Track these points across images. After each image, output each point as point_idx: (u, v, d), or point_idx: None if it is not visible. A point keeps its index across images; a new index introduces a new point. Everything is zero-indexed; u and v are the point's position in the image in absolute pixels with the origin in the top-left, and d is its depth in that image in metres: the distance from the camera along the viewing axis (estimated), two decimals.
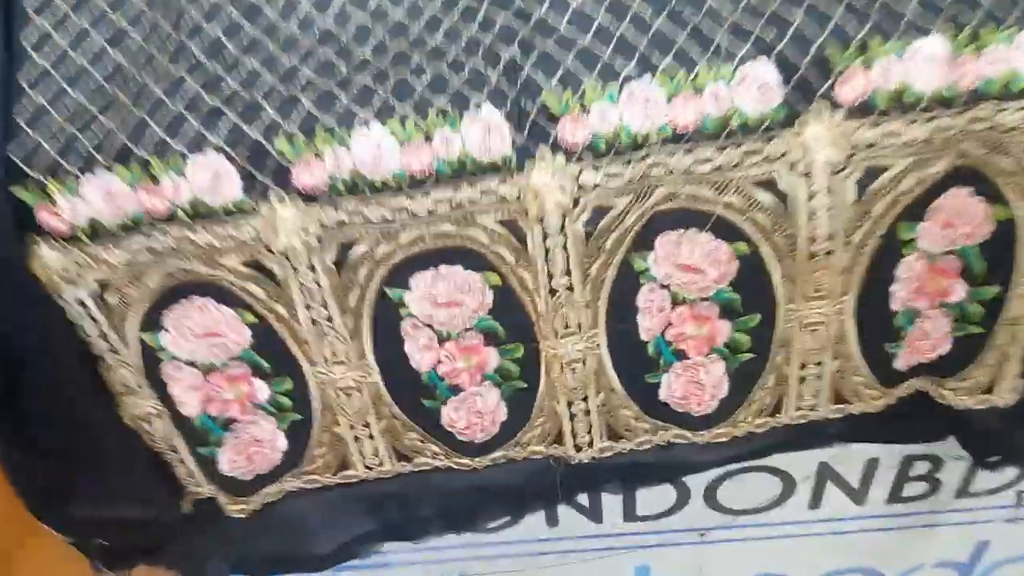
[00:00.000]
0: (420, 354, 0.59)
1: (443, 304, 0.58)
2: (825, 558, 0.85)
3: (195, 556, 0.70)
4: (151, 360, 0.59)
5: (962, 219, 0.55)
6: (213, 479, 0.64)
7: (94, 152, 0.53)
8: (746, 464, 0.71)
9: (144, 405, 0.61)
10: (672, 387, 0.62)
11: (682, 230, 0.55)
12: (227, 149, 0.52)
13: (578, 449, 0.65)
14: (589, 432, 0.64)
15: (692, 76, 0.51)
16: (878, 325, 0.60)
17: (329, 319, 0.57)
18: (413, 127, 0.51)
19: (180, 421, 0.61)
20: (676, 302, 0.58)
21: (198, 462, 0.64)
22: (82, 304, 0.56)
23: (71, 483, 0.64)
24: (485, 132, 0.51)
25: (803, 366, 0.62)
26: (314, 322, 0.58)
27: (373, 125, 0.52)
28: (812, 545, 0.82)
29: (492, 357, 0.60)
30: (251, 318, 0.58)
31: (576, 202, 0.53)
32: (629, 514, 0.78)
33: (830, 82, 0.50)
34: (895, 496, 0.78)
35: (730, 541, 0.81)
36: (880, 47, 0.50)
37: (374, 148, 0.51)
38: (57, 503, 0.65)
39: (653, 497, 0.76)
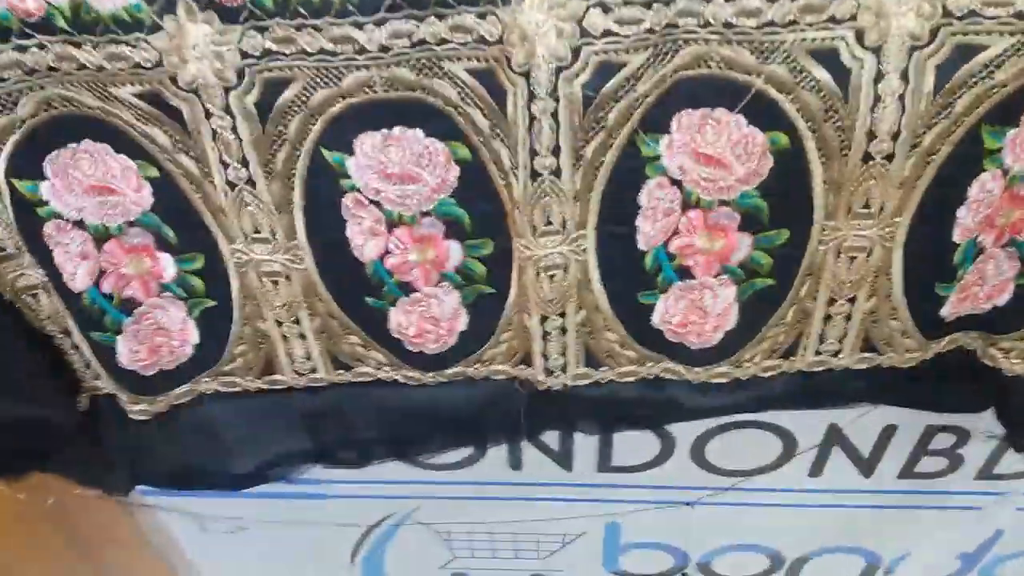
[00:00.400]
0: (364, 239, 0.48)
1: (395, 177, 0.46)
2: (819, 533, 0.75)
3: (94, 464, 0.59)
4: (28, 216, 0.47)
5: None
6: (111, 372, 0.53)
7: None
8: (744, 417, 0.60)
9: (28, 275, 0.50)
10: (669, 311, 0.50)
11: (708, 108, 0.42)
12: None
13: (548, 373, 0.54)
14: (563, 355, 0.53)
15: None
16: (932, 259, 0.48)
17: (250, 182, 0.45)
18: None
19: (69, 298, 0.50)
20: (688, 204, 0.46)
21: (94, 350, 0.53)
22: None
23: None
24: None
25: (831, 301, 0.50)
26: (231, 185, 0.46)
27: None
28: (806, 517, 0.72)
29: (454, 252, 0.48)
30: (153, 171, 0.46)
31: (576, 53, 0.40)
32: (603, 464, 0.67)
33: None
34: (908, 471, 0.68)
35: (714, 504, 0.70)
36: None
37: None
38: None
39: (633, 445, 0.65)
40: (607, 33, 0.40)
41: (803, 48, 0.40)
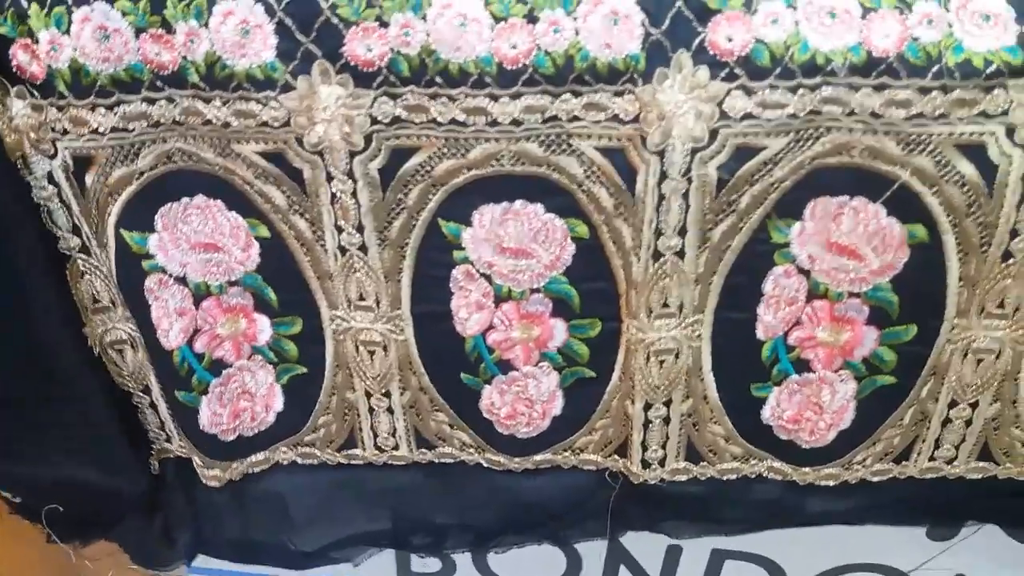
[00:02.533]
0: (469, 313, 0.46)
1: (510, 251, 0.44)
2: None
3: (158, 531, 0.56)
4: (132, 269, 0.46)
5: None
6: (190, 435, 0.51)
7: None
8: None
9: (118, 329, 0.49)
10: (782, 405, 0.48)
11: (846, 197, 0.41)
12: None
13: (645, 466, 0.51)
14: (663, 446, 0.50)
15: None
16: None
17: (363, 248, 0.44)
18: (514, 1, 0.38)
19: (158, 355, 0.48)
20: (814, 295, 0.44)
21: (174, 411, 0.51)
22: (53, 181, 0.44)
23: (13, 427, 0.51)
24: (610, 21, 0.38)
25: (953, 404, 0.48)
26: (343, 250, 0.45)
27: None
28: None
29: (558, 331, 0.47)
30: (264, 232, 0.45)
31: (714, 135, 0.40)
32: None
33: None
34: None
35: None
36: None
37: (458, 20, 0.38)
38: None
39: None
40: (747, 116, 0.39)
41: (951, 142, 0.39)
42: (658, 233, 0.42)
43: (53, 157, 0.43)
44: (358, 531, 0.56)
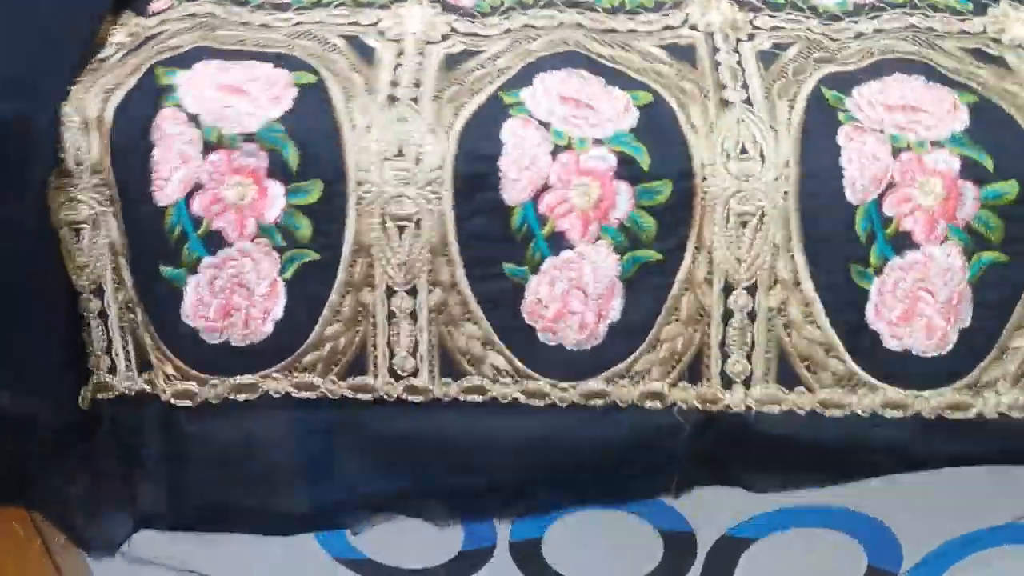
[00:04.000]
0: (521, 171, 0.40)
1: (572, 101, 0.41)
2: None
3: (85, 494, 0.43)
4: (150, 101, 0.41)
5: None
6: (163, 328, 0.42)
7: None
8: None
9: (80, 201, 0.41)
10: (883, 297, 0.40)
11: None
12: None
13: (727, 384, 0.41)
14: (749, 357, 0.41)
15: None
16: None
17: (415, 100, 0.41)
18: None
19: (144, 218, 0.41)
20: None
21: (147, 297, 0.42)
22: None
23: None
24: None
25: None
26: (392, 99, 0.41)
27: None
28: None
29: (623, 198, 0.41)
30: (309, 79, 0.42)
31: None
32: None
33: None
34: None
35: None
36: None
37: None
38: None
39: None
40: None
41: None
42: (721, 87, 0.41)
43: None
44: (359, 491, 0.43)
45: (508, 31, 0.46)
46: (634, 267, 0.41)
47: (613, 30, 0.46)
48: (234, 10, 0.47)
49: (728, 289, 0.41)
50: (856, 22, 0.47)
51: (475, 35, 0.46)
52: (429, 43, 0.45)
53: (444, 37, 0.46)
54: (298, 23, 0.46)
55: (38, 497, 0.45)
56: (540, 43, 0.45)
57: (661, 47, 0.45)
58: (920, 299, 0.40)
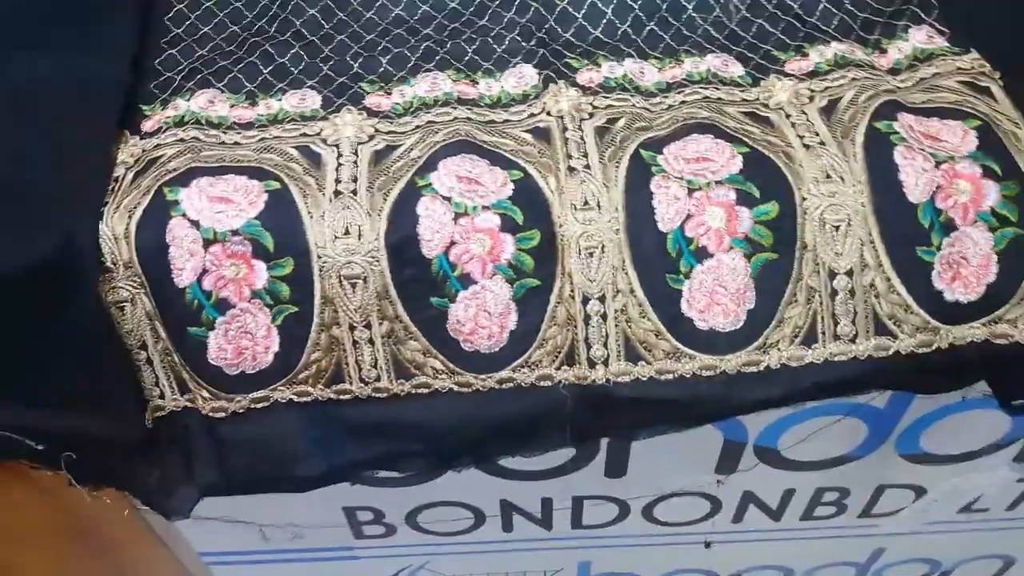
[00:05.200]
0: (433, 233, 0.57)
1: (464, 179, 0.58)
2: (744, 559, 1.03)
3: (156, 481, 0.62)
4: (162, 215, 0.57)
5: None
6: (197, 369, 0.59)
7: (211, 79, 0.67)
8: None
9: (120, 287, 0.58)
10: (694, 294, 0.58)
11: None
12: (318, 87, 0.66)
13: (591, 366, 0.60)
14: (605, 345, 0.59)
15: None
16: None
17: (354, 192, 0.58)
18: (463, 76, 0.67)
19: (170, 297, 0.57)
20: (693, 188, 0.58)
21: (182, 349, 0.59)
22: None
23: (22, 375, 0.59)
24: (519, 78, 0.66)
25: (832, 275, 0.59)
26: (337, 194, 0.58)
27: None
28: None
29: (508, 243, 0.58)
30: (275, 185, 0.58)
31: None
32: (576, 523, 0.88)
33: None
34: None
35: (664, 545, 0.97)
36: None
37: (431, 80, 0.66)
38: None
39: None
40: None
41: None
42: (568, 156, 0.59)
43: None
44: (347, 457, 0.62)
45: (417, 127, 0.63)
46: (522, 291, 0.58)
47: (493, 121, 0.63)
48: (212, 132, 0.63)
49: (585, 300, 0.58)
50: (668, 97, 0.65)
51: (393, 132, 0.63)
52: (360, 143, 0.62)
53: (370, 137, 0.62)
54: (261, 139, 0.62)
55: (126, 482, 0.64)
56: (441, 135, 0.62)
57: (527, 131, 0.62)
58: (717, 292, 0.58)
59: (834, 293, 0.58)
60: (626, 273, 0.58)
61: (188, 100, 0.65)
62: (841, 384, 0.61)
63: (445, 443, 0.62)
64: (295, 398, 0.61)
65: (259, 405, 0.61)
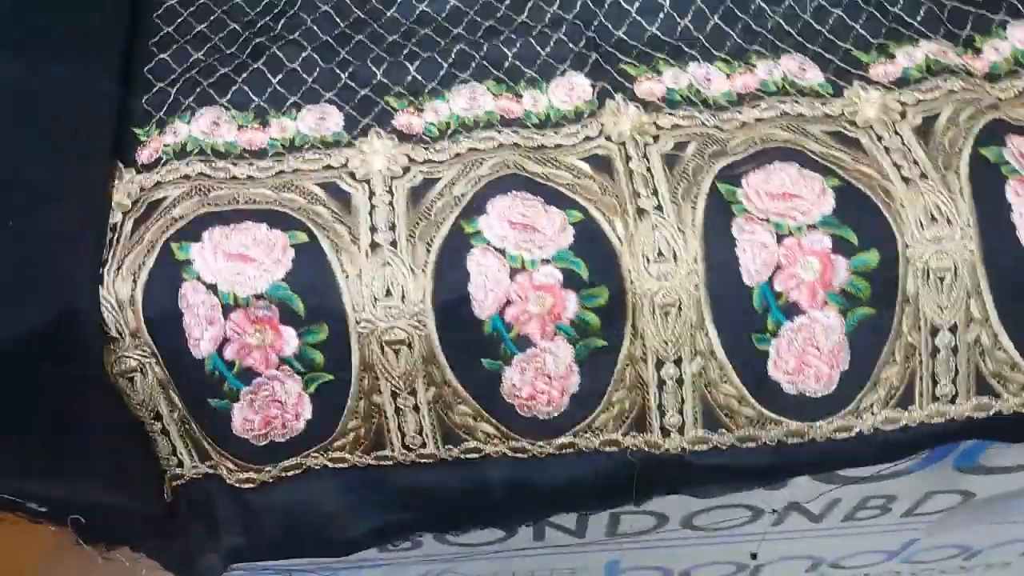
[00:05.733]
0: (487, 291, 0.50)
1: (519, 226, 0.50)
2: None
3: (182, 550, 0.57)
4: (172, 278, 0.49)
5: None
6: (222, 441, 0.53)
7: (213, 92, 0.58)
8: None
9: (127, 357, 0.50)
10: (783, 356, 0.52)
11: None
12: (338, 101, 0.57)
13: (665, 434, 0.54)
14: (680, 411, 0.53)
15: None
16: None
17: (394, 244, 0.50)
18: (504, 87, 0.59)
19: (186, 367, 0.50)
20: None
21: (203, 421, 0.52)
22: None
23: (33, 449, 0.52)
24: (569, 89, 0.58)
25: (934, 331, 0.52)
26: (375, 246, 0.50)
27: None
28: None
29: (571, 301, 0.51)
30: (303, 238, 0.50)
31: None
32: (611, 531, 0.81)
33: None
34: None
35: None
36: None
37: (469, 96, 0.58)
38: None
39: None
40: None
41: None
42: (636, 194, 0.51)
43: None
44: (394, 522, 0.57)
45: (458, 155, 0.54)
46: (585, 352, 0.52)
47: (543, 146, 0.55)
48: (219, 165, 0.54)
49: (660, 364, 0.52)
50: (740, 112, 0.56)
51: (430, 162, 0.54)
52: (394, 178, 0.53)
53: (405, 170, 0.54)
54: (279, 172, 0.54)
55: (148, 548, 0.58)
56: (486, 167, 0.53)
57: (584, 159, 0.54)
58: (809, 353, 0.52)
59: (935, 351, 0.52)
60: (706, 333, 0.51)
61: (188, 122, 0.56)
62: (930, 439, 0.55)
63: (498, 507, 0.57)
64: (330, 464, 0.55)
65: (290, 472, 0.55)
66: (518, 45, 0.60)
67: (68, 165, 0.54)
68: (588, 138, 0.56)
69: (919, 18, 0.62)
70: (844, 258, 0.51)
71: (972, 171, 0.52)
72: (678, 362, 0.52)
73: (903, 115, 0.56)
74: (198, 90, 0.58)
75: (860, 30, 0.62)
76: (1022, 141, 0.53)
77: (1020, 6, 0.61)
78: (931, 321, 0.52)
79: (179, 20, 0.62)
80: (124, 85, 0.58)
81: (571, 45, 0.60)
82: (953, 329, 0.52)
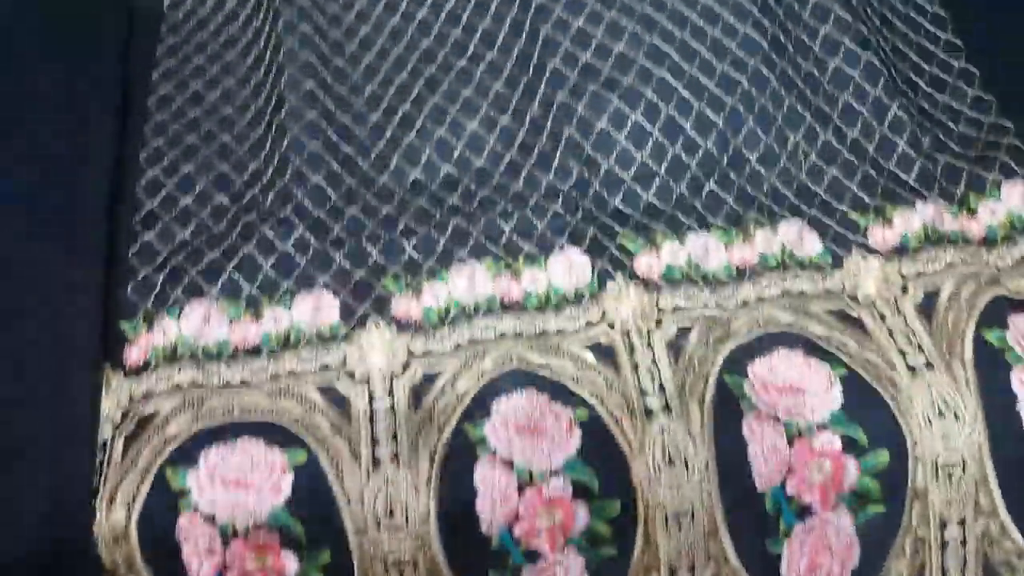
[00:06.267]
0: (494, 510, 0.49)
1: (527, 430, 0.49)
2: None
3: None
4: (168, 509, 0.47)
5: None
6: None
7: (201, 282, 0.56)
8: None
9: None
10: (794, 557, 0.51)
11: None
12: (334, 286, 0.56)
13: None
14: None
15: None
16: None
17: (395, 456, 0.49)
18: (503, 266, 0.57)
19: None
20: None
21: None
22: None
23: None
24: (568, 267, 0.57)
25: (943, 525, 0.52)
26: (376, 463, 0.48)
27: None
28: None
29: (582, 513, 0.50)
30: (301, 458, 0.48)
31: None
32: None
33: None
34: None
35: None
36: None
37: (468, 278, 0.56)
38: None
39: None
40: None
41: None
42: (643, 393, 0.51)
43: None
44: None
45: (459, 347, 0.53)
46: (597, 561, 0.50)
47: (545, 332, 0.54)
48: (212, 369, 0.52)
49: (672, 571, 0.50)
50: (740, 288, 0.56)
51: (430, 354, 0.53)
52: (393, 375, 0.52)
53: (404, 367, 0.52)
54: (274, 375, 0.52)
55: None
56: (489, 361, 0.52)
57: (587, 347, 0.53)
58: (820, 553, 0.51)
59: (944, 544, 0.52)
60: (719, 540, 0.50)
61: (178, 319, 0.54)
62: None
63: None
64: None
65: None
66: (515, 218, 0.59)
67: (49, 369, 0.52)
68: (590, 323, 0.54)
69: (913, 175, 0.62)
70: (854, 459, 0.50)
71: (977, 359, 0.52)
72: (692, 570, 0.51)
73: (904, 289, 0.56)
74: (186, 280, 0.56)
75: (856, 191, 0.62)
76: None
77: (1013, 164, 0.62)
78: (940, 515, 0.51)
79: (163, 193, 0.61)
80: (108, 274, 0.56)
81: (567, 217, 0.59)
82: (962, 522, 0.51)
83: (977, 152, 0.63)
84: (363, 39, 0.68)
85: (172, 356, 0.53)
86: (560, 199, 0.60)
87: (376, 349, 0.53)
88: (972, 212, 0.61)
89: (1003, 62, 0.66)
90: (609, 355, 0.53)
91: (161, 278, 0.56)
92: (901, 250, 0.58)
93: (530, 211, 0.60)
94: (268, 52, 0.67)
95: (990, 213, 0.60)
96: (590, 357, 0.53)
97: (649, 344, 0.53)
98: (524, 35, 0.67)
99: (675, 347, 0.53)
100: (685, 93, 0.64)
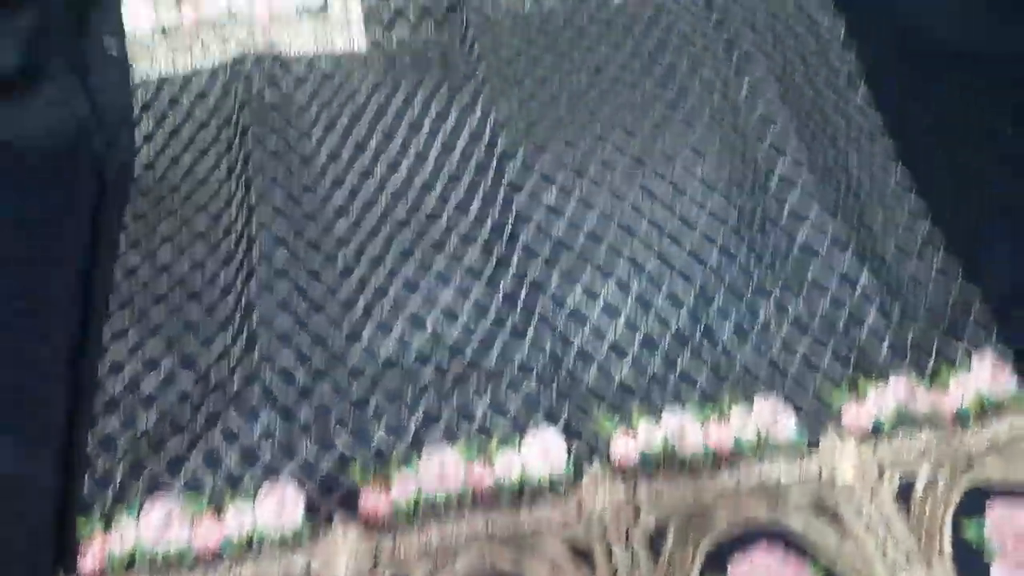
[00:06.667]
0: None
1: None
2: None
3: None
4: None
5: None
6: None
7: (163, 475, 0.54)
8: None
9: None
10: None
11: None
12: (300, 476, 0.55)
13: None
14: None
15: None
16: None
17: None
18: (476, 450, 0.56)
19: None
20: None
21: None
22: None
23: None
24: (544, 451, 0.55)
25: None
26: None
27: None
28: None
29: None
30: None
31: None
32: None
33: None
34: None
35: None
36: None
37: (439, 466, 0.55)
38: None
39: None
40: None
41: None
42: None
43: None
44: None
45: (428, 550, 0.52)
46: None
47: (518, 533, 0.52)
48: None
49: None
50: (718, 473, 0.55)
51: (397, 559, 0.51)
52: None
53: (370, 571, 0.50)
54: None
55: None
56: (461, 564, 0.51)
57: (563, 543, 0.52)
58: None
59: None
60: None
61: (137, 517, 0.52)
62: None
63: None
64: None
65: None
66: (488, 395, 0.59)
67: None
68: (566, 522, 0.53)
69: (885, 346, 0.62)
70: None
71: (956, 555, 0.52)
72: None
73: (880, 475, 0.55)
74: (147, 473, 0.54)
75: (828, 364, 0.62)
76: (1001, 509, 0.53)
77: (983, 333, 0.62)
78: None
79: (126, 377, 0.59)
80: (66, 470, 0.54)
81: (541, 396, 0.59)
82: None
83: (947, 321, 0.63)
84: (337, 208, 0.68)
85: (130, 564, 0.51)
86: (534, 374, 0.60)
87: (341, 553, 0.51)
88: (944, 386, 0.61)
89: (965, 227, 0.68)
90: (586, 557, 0.52)
91: (120, 473, 0.55)
92: (875, 431, 0.58)
93: (504, 389, 0.59)
94: (240, 221, 0.67)
95: (961, 388, 0.60)
96: (566, 559, 0.52)
97: (627, 541, 0.52)
98: (498, 206, 0.67)
99: (654, 543, 0.52)
100: (655, 268, 0.64)
